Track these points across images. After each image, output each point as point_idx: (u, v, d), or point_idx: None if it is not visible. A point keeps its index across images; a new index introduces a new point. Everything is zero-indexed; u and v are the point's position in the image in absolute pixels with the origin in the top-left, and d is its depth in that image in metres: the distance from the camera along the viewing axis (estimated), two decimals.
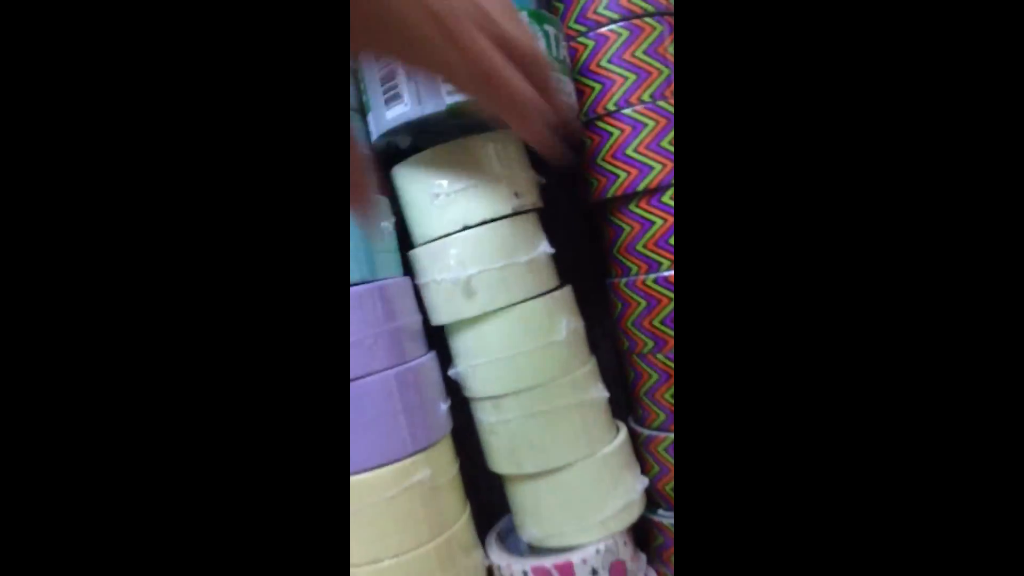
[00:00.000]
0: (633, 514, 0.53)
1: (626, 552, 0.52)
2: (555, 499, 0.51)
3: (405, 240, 0.53)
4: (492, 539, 0.56)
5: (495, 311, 0.49)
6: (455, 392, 0.53)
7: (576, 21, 0.53)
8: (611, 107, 0.52)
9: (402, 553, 0.46)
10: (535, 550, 0.52)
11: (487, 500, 0.59)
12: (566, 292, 0.53)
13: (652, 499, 0.57)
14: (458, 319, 0.50)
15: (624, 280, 0.56)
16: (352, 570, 0.47)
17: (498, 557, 0.53)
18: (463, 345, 0.52)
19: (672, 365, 0.54)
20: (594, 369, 0.54)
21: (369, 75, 0.47)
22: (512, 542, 0.55)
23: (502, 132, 0.50)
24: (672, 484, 0.55)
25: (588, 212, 0.59)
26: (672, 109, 0.51)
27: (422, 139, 0.51)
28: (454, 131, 0.48)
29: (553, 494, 0.51)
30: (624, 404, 0.62)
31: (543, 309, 0.50)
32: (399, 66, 0.44)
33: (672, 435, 0.54)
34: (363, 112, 0.50)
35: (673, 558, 0.55)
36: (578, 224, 0.60)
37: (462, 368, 0.52)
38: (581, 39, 0.52)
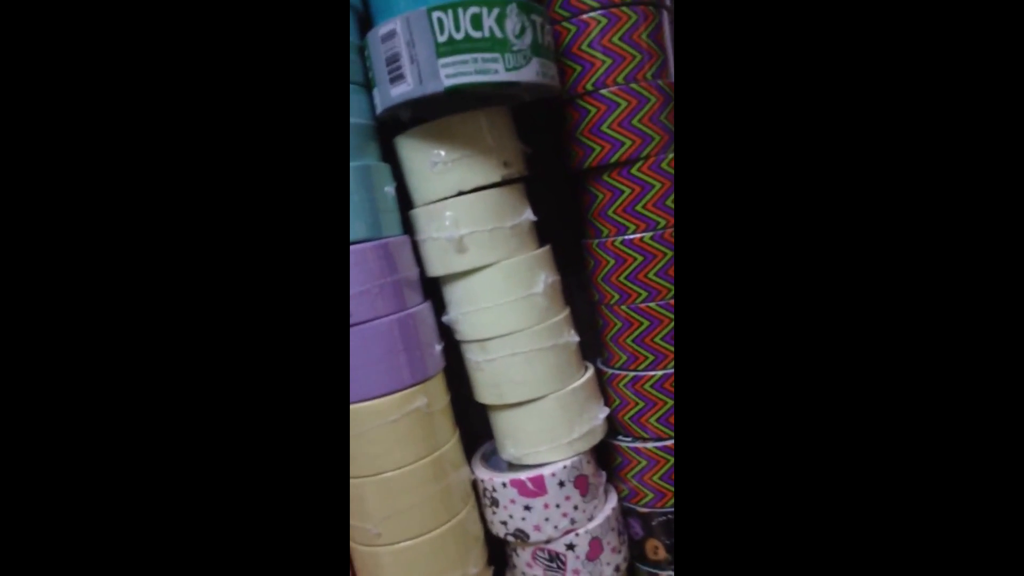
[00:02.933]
0: (596, 437, 0.63)
1: (589, 469, 0.62)
2: (531, 424, 0.61)
3: (405, 202, 0.60)
4: (477, 459, 0.66)
5: (483, 266, 0.57)
6: (448, 335, 0.62)
7: (561, 7, 0.58)
8: (589, 87, 0.59)
9: (402, 467, 0.56)
10: (513, 467, 0.62)
11: (474, 428, 0.69)
12: (545, 251, 0.61)
13: (613, 427, 0.67)
14: (451, 272, 0.58)
15: (596, 241, 0.64)
16: (359, 481, 0.56)
17: (481, 473, 0.63)
18: (455, 295, 0.60)
19: (635, 316, 0.62)
20: (568, 317, 0.62)
21: (375, 54, 0.52)
22: (494, 462, 0.65)
23: (494, 108, 0.56)
24: (630, 415, 0.65)
25: (568, 181, 0.66)
26: (643, 91, 0.58)
27: (422, 112, 0.57)
28: (451, 106, 0.54)
29: (529, 420, 0.61)
30: (594, 347, 0.71)
31: (524, 265, 0.58)
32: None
33: (631, 373, 0.64)
34: (368, 87, 0.56)
35: (629, 475, 0.66)
36: (559, 191, 0.67)
37: (454, 315, 0.60)
38: (565, 23, 0.58)
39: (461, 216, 0.55)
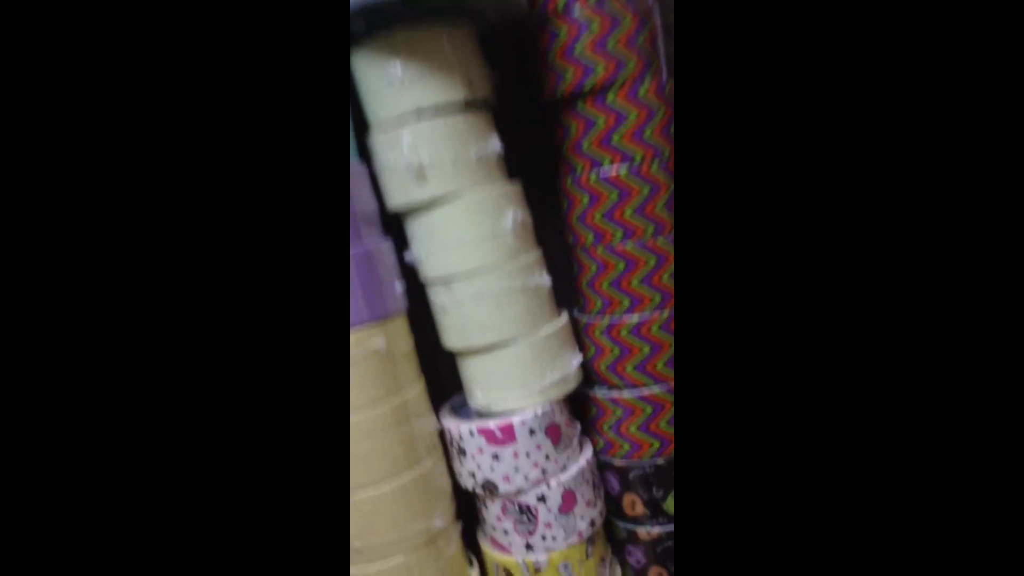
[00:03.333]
0: (569, 385, 0.59)
1: (562, 418, 0.59)
2: (500, 370, 0.57)
3: (362, 127, 0.56)
4: (446, 410, 0.63)
5: (445, 198, 0.53)
6: (412, 277, 0.58)
7: None
8: (560, 6, 0.55)
9: (359, 409, 0.52)
10: (482, 416, 0.59)
11: (442, 382, 0.66)
12: (514, 186, 0.57)
13: (589, 377, 0.64)
14: (411, 203, 0.54)
15: (570, 178, 0.60)
16: None
17: (448, 422, 0.60)
18: (418, 231, 0.56)
19: (611, 257, 0.59)
20: (539, 259, 0.59)
21: None
22: (464, 413, 0.62)
23: (456, 22, 0.52)
24: (606, 364, 0.62)
25: (541, 113, 0.62)
26: (617, 11, 0.54)
27: (377, 25, 0.53)
28: (409, 18, 0.50)
29: (498, 366, 0.57)
30: (569, 296, 0.67)
31: (491, 200, 0.54)
32: None
33: (607, 319, 0.61)
34: None
35: (605, 426, 0.63)
36: (531, 125, 0.63)
37: (416, 252, 0.57)
38: None
39: (420, 141, 0.51)
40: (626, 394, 0.61)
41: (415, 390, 0.57)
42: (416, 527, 0.55)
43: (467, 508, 0.63)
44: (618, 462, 0.63)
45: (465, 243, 0.54)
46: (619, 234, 0.58)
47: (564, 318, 0.61)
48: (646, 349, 0.59)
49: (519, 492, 0.57)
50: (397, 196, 0.55)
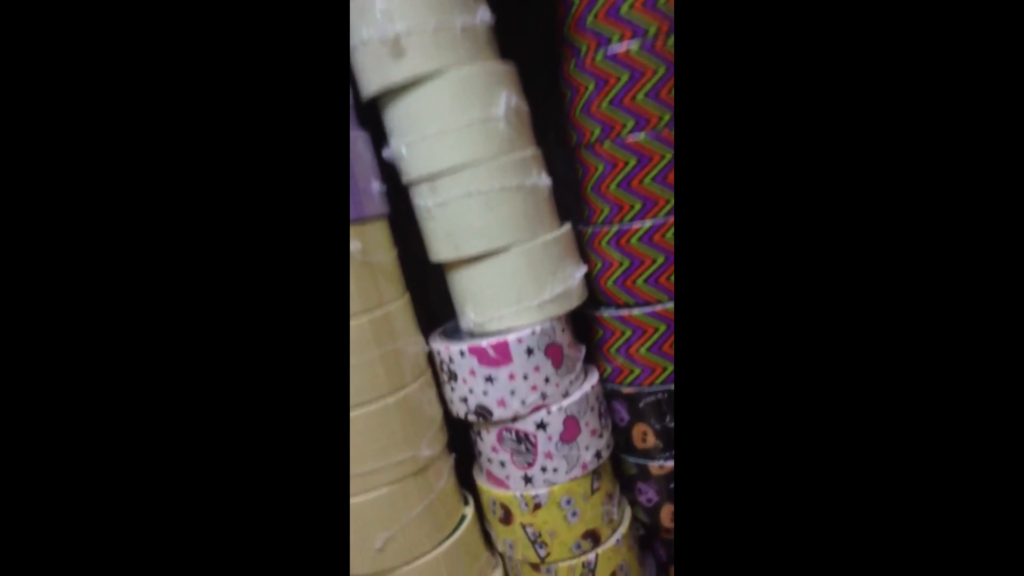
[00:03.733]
0: (572, 301, 0.53)
1: (564, 338, 0.53)
2: (493, 283, 0.51)
3: None
4: (435, 335, 0.57)
5: (427, 78, 0.46)
6: (392, 178, 0.51)
7: None
8: None
9: None
10: (475, 337, 0.53)
11: (433, 311, 0.59)
12: (507, 66, 0.49)
13: (595, 298, 0.57)
14: (388, 86, 0.46)
15: (573, 63, 0.52)
16: None
17: (437, 344, 0.53)
18: (397, 120, 0.49)
19: (620, 152, 0.51)
20: (538, 156, 0.51)
21: None
22: (456, 338, 0.56)
23: None
24: (613, 279, 0.55)
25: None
26: None
27: None
28: None
29: (491, 277, 0.51)
30: (573, 211, 0.60)
31: (479, 78, 0.47)
32: None
33: (615, 227, 0.53)
34: None
35: (612, 349, 0.56)
36: (528, 6, 0.55)
37: (396, 146, 0.49)
38: None
39: (395, 6, 0.44)
40: (636, 312, 0.54)
41: (398, 305, 0.51)
42: (401, 455, 0.49)
43: (462, 447, 0.57)
44: (627, 389, 0.56)
45: (450, 131, 0.47)
46: (629, 124, 0.50)
47: (567, 226, 0.53)
48: (659, 259, 0.52)
49: (516, 418, 0.51)
50: (372, 78, 0.47)
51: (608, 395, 0.58)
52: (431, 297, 0.60)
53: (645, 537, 0.63)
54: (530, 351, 0.50)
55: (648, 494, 0.58)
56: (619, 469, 0.60)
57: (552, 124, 0.56)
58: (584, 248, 0.57)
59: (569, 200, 0.57)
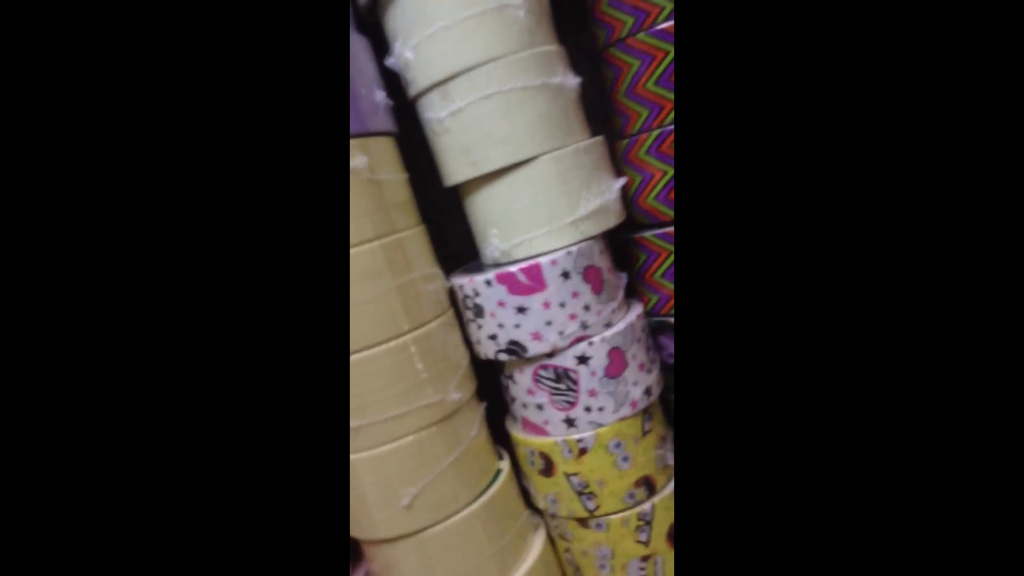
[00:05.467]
0: (610, 219, 0.46)
1: (603, 261, 0.46)
2: (520, 200, 0.44)
3: None
4: (457, 273, 0.51)
5: None
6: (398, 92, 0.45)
7: None
8: None
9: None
10: (502, 266, 0.47)
11: (455, 252, 0.53)
12: None
13: (634, 220, 0.51)
14: None
15: None
16: None
17: (459, 279, 0.48)
18: (400, 19, 0.42)
19: (656, 43, 0.45)
20: (562, 54, 0.45)
21: None
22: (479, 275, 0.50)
23: None
24: (655, 193, 0.48)
25: None
26: None
27: None
28: None
29: (517, 194, 0.44)
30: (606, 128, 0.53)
31: None
32: None
33: (655, 132, 0.47)
34: None
35: (657, 275, 0.50)
36: None
37: (400, 52, 0.43)
38: None
39: None
40: None
41: (412, 233, 0.45)
42: (426, 400, 0.43)
43: (492, 399, 0.51)
44: (674, 317, 0.50)
45: (461, 23, 0.41)
46: (667, 7, 0.44)
47: (599, 138, 0.47)
48: None
49: (554, 353, 0.45)
50: None
51: (654, 329, 0.51)
52: (450, 243, 0.54)
53: None
54: (566, 274, 0.44)
55: None
56: (670, 414, 0.54)
57: (574, 27, 0.50)
58: (619, 166, 0.50)
59: (595, 124, 0.51)
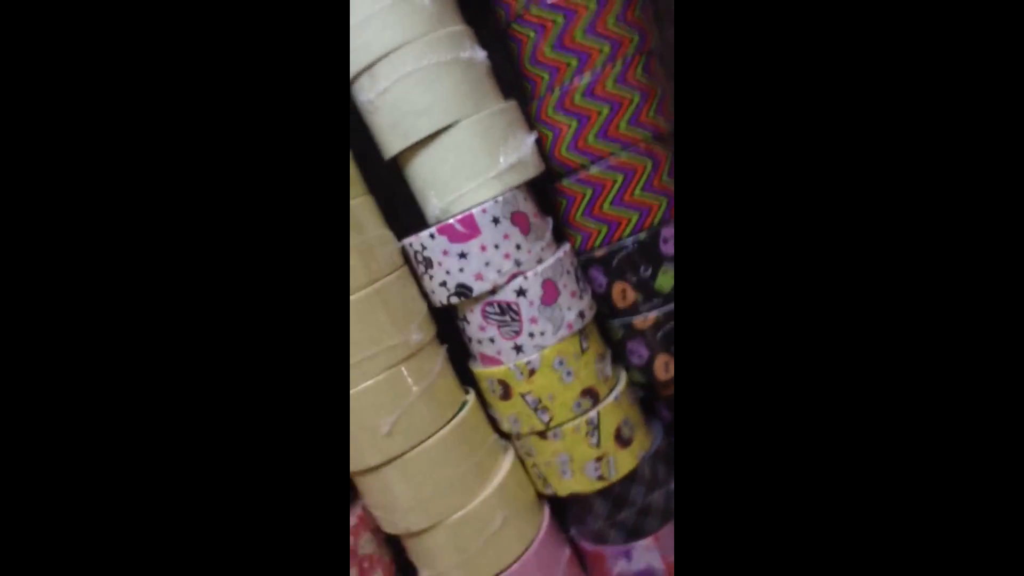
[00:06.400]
0: (528, 170, 0.54)
1: (528, 207, 0.54)
2: (446, 162, 0.52)
3: None
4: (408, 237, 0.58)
5: None
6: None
7: None
8: None
9: None
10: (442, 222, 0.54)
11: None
12: None
13: (553, 172, 0.58)
14: None
15: None
16: None
17: (408, 239, 0.54)
18: None
19: (547, 14, 0.52)
20: (469, 33, 0.52)
21: None
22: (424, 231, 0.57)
23: None
24: (566, 144, 0.56)
25: None
26: None
27: None
28: None
29: (444, 156, 0.51)
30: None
31: None
32: None
33: (557, 90, 0.54)
34: None
35: (577, 216, 0.58)
36: None
37: None
38: None
39: None
40: (593, 170, 0.55)
41: (359, 201, 0.52)
42: (392, 340, 0.50)
43: (454, 345, 0.58)
44: (599, 252, 0.58)
45: (376, 16, 0.47)
46: None
47: (513, 101, 0.54)
48: (604, 110, 0.53)
49: (495, 290, 0.53)
50: None
51: (583, 265, 0.59)
52: (400, 217, 0.60)
53: (647, 400, 0.65)
54: (496, 220, 0.51)
55: (639, 352, 0.60)
56: (607, 338, 0.62)
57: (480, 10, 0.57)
58: (533, 125, 0.58)
59: (516, 93, 0.58)
